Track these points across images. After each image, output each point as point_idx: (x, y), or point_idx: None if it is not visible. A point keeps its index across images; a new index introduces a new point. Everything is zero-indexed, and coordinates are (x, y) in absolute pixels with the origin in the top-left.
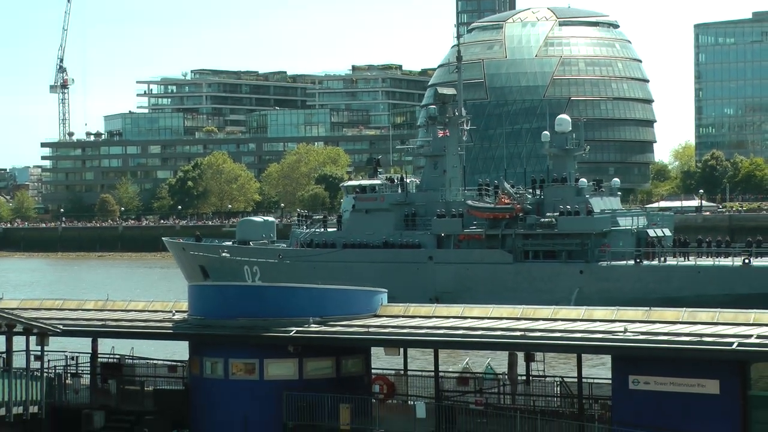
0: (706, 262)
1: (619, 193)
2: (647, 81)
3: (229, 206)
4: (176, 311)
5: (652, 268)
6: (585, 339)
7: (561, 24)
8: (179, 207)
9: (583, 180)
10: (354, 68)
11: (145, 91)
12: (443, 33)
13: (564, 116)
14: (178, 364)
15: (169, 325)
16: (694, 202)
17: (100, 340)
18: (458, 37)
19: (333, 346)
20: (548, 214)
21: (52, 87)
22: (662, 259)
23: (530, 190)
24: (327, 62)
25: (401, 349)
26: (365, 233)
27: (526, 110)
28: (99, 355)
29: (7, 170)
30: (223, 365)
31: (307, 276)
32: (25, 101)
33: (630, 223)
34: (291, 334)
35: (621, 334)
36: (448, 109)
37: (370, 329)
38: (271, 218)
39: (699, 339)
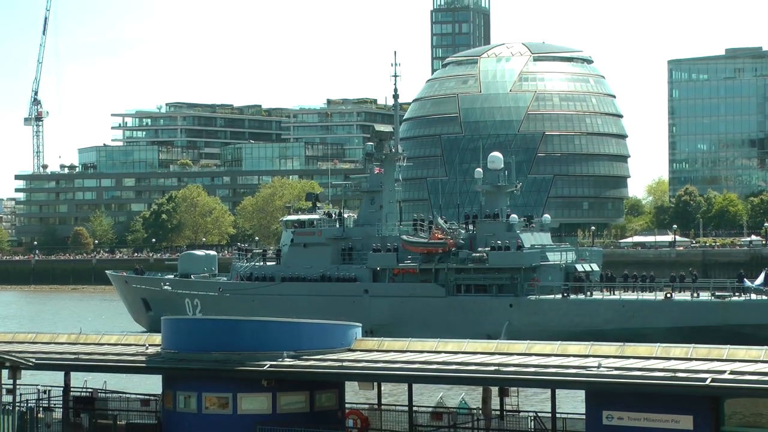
0: (631, 296)
1: (558, 228)
2: (621, 116)
3: (203, 239)
4: (149, 345)
5: (579, 302)
6: (559, 374)
7: (535, 59)
8: (153, 240)
9: (514, 216)
10: (329, 102)
11: (119, 124)
12: (419, 68)
13: (496, 154)
14: (151, 398)
15: (143, 358)
16: (668, 237)
17: (72, 374)
18: (395, 67)
19: (307, 381)
20: (480, 249)
21: (26, 119)
22: (589, 293)
23: (464, 226)
24: (302, 96)
25: (375, 384)
26: (303, 267)
27: (500, 144)
28: (72, 389)
29: None
30: (196, 399)
31: (246, 309)
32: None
33: (559, 258)
34: (264, 368)
35: (595, 369)
36: (385, 146)
37: (344, 363)
38: (212, 252)
39: (673, 374)
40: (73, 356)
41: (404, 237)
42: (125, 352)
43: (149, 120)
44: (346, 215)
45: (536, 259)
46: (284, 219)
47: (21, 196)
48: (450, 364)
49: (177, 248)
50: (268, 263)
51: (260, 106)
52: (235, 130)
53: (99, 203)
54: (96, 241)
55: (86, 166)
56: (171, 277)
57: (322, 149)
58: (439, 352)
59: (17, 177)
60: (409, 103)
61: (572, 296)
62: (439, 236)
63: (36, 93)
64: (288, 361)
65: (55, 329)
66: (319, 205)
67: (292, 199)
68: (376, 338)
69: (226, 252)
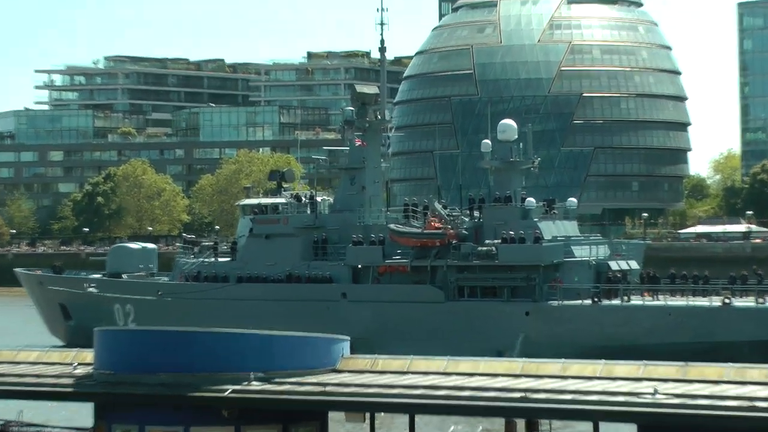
0: (679, 302)
1: (585, 215)
2: (680, 73)
3: (150, 229)
4: (78, 363)
5: (613, 309)
6: (604, 403)
7: (570, 1)
8: (86, 229)
9: (531, 200)
10: (310, 55)
11: (44, 83)
12: (423, 13)
13: (508, 122)
14: None
15: (69, 381)
16: (741, 227)
17: None
18: (382, 13)
19: (280, 411)
20: (488, 241)
21: None
22: (626, 297)
23: (468, 212)
24: (276, 49)
25: (367, 415)
26: (265, 264)
27: (527, 109)
28: None
29: None
30: None
31: (193, 318)
32: None
33: (588, 253)
34: (226, 394)
35: (650, 397)
36: (369, 111)
37: (328, 388)
38: (150, 245)
39: (750, 404)
40: None
41: (392, 226)
42: (47, 373)
43: (82, 78)
44: (319, 199)
45: (559, 255)
46: (241, 203)
47: None
48: (463, 389)
49: (116, 239)
50: (220, 259)
51: (223, 60)
52: (192, 91)
53: (17, 183)
54: (13, 231)
55: (1, 135)
56: (97, 276)
57: (302, 115)
58: (449, 374)
59: None
60: (410, 57)
61: (605, 301)
62: (437, 225)
63: None
64: (256, 385)
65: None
66: (286, 186)
67: (260, 179)
68: (368, 356)
69: (170, 246)
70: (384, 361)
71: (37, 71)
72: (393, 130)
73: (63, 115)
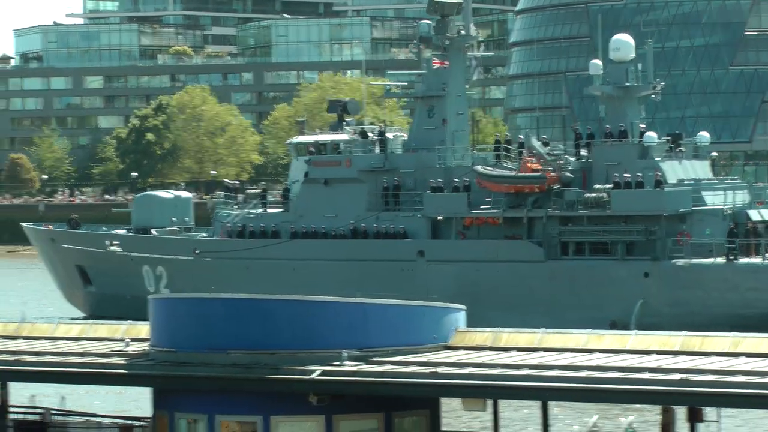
0: None
1: (714, 154)
2: None
3: (213, 173)
4: (131, 339)
5: (753, 269)
6: None
7: None
8: (134, 174)
9: (651, 134)
10: None
11: None
12: None
13: (622, 36)
14: (136, 423)
15: (121, 361)
16: None
17: (11, 385)
18: None
19: (381, 396)
20: (597, 186)
21: None
22: None
23: (574, 150)
24: None
25: (489, 401)
26: (324, 216)
27: (684, 19)
28: (11, 409)
29: None
30: (206, 425)
31: (237, 281)
32: None
33: (722, 200)
34: (314, 376)
35: None
36: (450, 25)
37: (439, 369)
38: (184, 193)
39: None
40: (12, 358)
41: (479, 168)
42: (94, 351)
43: None
44: (390, 135)
45: (686, 202)
46: (293, 141)
47: None
48: (608, 370)
49: (172, 186)
50: (270, 210)
51: None
52: None
53: (47, 116)
54: (44, 177)
55: (27, 57)
56: (122, 232)
57: (399, 28)
58: (590, 351)
59: None
60: None
61: (742, 260)
62: (534, 167)
63: None
64: (350, 365)
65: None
66: (349, 119)
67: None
68: (488, 329)
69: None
70: (508, 336)
71: None
72: (480, 47)
73: (101, 31)
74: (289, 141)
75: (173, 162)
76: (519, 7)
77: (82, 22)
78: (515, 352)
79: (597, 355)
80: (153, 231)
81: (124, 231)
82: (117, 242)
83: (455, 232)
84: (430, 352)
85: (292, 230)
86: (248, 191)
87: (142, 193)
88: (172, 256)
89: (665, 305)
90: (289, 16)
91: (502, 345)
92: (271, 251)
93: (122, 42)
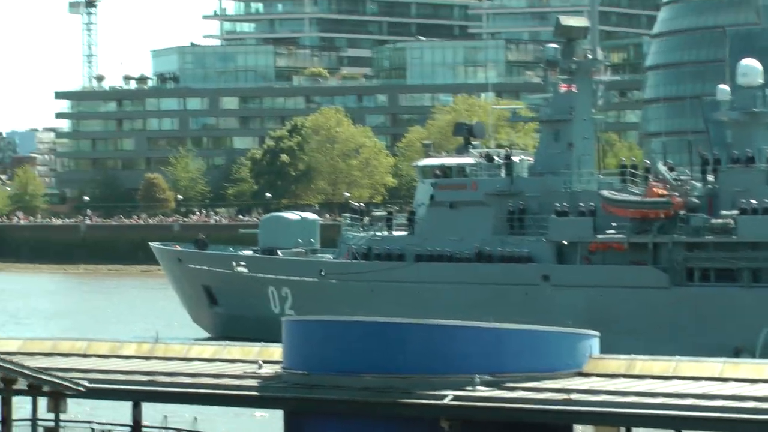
0: None
1: None
2: None
3: (346, 194)
4: (264, 361)
5: None
6: None
7: None
8: (268, 195)
9: None
10: None
11: (215, 12)
12: None
13: (750, 62)
14: None
15: (254, 383)
16: None
17: (145, 405)
18: None
19: (513, 422)
20: (724, 212)
21: (71, 4)
22: None
23: (700, 175)
24: None
25: (622, 429)
26: (449, 239)
27: None
28: (144, 429)
29: (4, 136)
30: None
31: (361, 303)
32: (29, 28)
33: None
34: (446, 401)
35: None
36: (577, 49)
37: (573, 396)
38: (311, 215)
39: None
40: (146, 378)
41: (605, 193)
42: (226, 373)
43: (260, 5)
44: (516, 159)
45: None
46: (419, 164)
47: (64, 125)
48: (744, 399)
49: (305, 207)
50: (395, 233)
51: None
52: (396, 21)
53: (183, 136)
54: (179, 197)
55: (163, 78)
56: (248, 253)
57: (534, 51)
58: (725, 380)
59: (58, 96)
60: None
61: None
62: (661, 192)
63: None
64: (483, 391)
65: (118, 335)
66: (475, 142)
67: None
68: (622, 356)
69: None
70: (643, 363)
71: None
72: (608, 71)
73: (237, 53)
74: (415, 164)
75: (307, 183)
76: (655, 30)
77: (219, 44)
78: (649, 380)
79: (732, 384)
80: (279, 252)
81: (251, 252)
82: (243, 263)
83: (580, 256)
84: (564, 378)
85: (417, 253)
86: (374, 213)
87: (269, 215)
88: (297, 278)
89: None
90: (424, 39)
91: (636, 372)
92: (396, 274)
93: (258, 63)
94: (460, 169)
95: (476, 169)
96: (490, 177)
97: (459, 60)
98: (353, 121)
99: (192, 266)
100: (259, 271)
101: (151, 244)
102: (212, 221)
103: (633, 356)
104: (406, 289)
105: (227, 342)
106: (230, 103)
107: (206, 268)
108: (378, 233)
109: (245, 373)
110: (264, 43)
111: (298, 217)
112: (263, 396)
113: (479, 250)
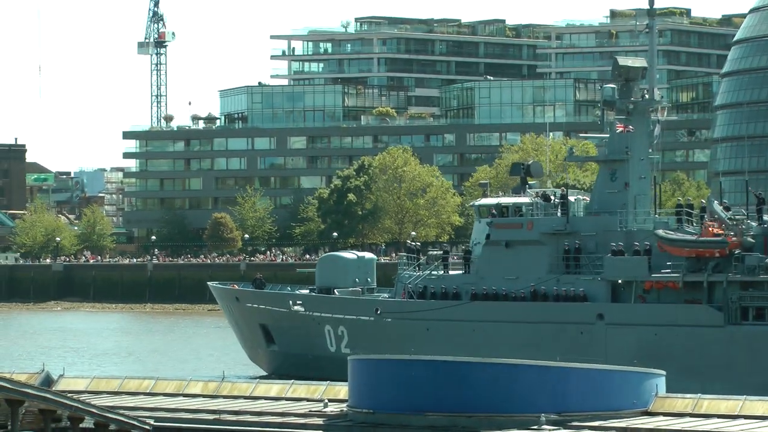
0: None
1: None
2: None
3: (413, 234)
4: (329, 400)
5: None
6: None
7: None
8: (335, 234)
9: None
10: (613, 14)
11: (283, 52)
12: None
13: None
14: None
15: (320, 422)
16: None
17: None
18: None
19: None
20: None
21: (141, 45)
22: None
23: (757, 215)
24: (569, 6)
25: None
26: (505, 278)
27: None
28: None
29: (72, 176)
30: None
31: (417, 341)
32: (98, 68)
33: None
34: None
35: None
36: (634, 89)
37: None
38: (368, 254)
39: None
40: (212, 417)
41: (661, 232)
42: (292, 411)
43: (329, 45)
44: (572, 198)
45: None
46: (476, 203)
47: (132, 165)
48: None
49: (372, 246)
50: (451, 272)
51: (504, 21)
52: (464, 61)
53: (251, 176)
54: (246, 236)
55: (231, 117)
56: (305, 292)
57: (603, 90)
58: None
59: (126, 136)
60: (743, 16)
61: None
62: (716, 231)
63: (156, 5)
64: (549, 429)
65: (184, 374)
66: (532, 182)
67: (553, 170)
68: (689, 395)
69: (395, 254)
70: (710, 402)
71: (273, 37)
72: (666, 112)
73: (306, 92)
74: (471, 203)
75: (374, 222)
76: (725, 69)
77: (287, 83)
78: (716, 419)
79: None
80: (336, 291)
81: (308, 291)
82: (300, 302)
83: (635, 295)
84: (630, 417)
85: (473, 292)
86: (430, 252)
87: (326, 254)
88: (353, 316)
89: None
90: (492, 78)
91: (703, 412)
92: (452, 312)
93: (326, 103)
94: (517, 209)
95: (532, 209)
96: (546, 216)
97: (527, 99)
98: (420, 161)
99: (249, 305)
100: (315, 310)
101: (209, 283)
102: (279, 260)
103: (700, 395)
104: (462, 328)
105: (293, 381)
106: (298, 142)
107: (263, 306)
108: (434, 272)
109: (311, 411)
110: (332, 83)
111: (354, 257)
112: None
113: (535, 289)
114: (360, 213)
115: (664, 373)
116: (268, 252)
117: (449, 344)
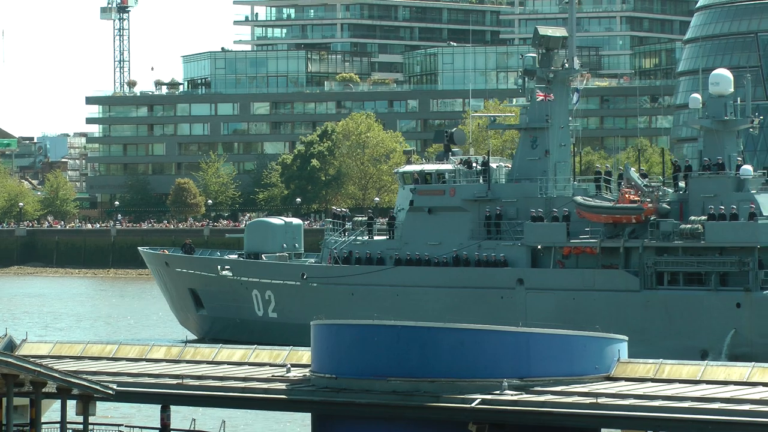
0: None
1: None
2: None
3: (377, 199)
4: (292, 365)
5: None
6: None
7: None
8: (298, 200)
9: (747, 167)
10: None
11: (246, 17)
12: None
13: (722, 71)
14: None
15: (282, 387)
16: None
17: (174, 409)
18: None
19: (540, 426)
20: (693, 218)
21: (104, 10)
22: None
23: (672, 182)
24: None
25: None
26: (428, 243)
27: None
28: (172, 431)
29: (35, 141)
30: None
31: (342, 306)
32: (61, 33)
33: None
34: (473, 405)
35: None
36: (555, 58)
37: (600, 400)
38: (295, 220)
39: None
40: (174, 381)
41: (579, 199)
42: (255, 376)
43: (292, 11)
44: (494, 165)
45: None
46: (399, 170)
47: (95, 130)
48: None
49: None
50: (376, 238)
51: None
52: (428, 27)
53: (214, 141)
54: (210, 201)
55: (195, 83)
56: (233, 257)
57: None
58: (753, 384)
59: (89, 101)
60: None
61: None
62: (632, 198)
63: None
64: (510, 395)
65: (147, 339)
66: (455, 149)
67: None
68: (651, 360)
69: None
70: (671, 367)
71: (236, 2)
72: (587, 80)
73: (269, 58)
74: (395, 170)
75: (337, 188)
76: (687, 36)
77: (250, 49)
78: (678, 384)
79: (761, 388)
80: (263, 256)
81: (236, 256)
82: (228, 267)
83: (554, 261)
84: (592, 382)
85: (397, 257)
86: (355, 219)
87: (254, 220)
88: (280, 281)
89: (757, 335)
90: (455, 44)
91: (664, 377)
92: (376, 277)
93: (289, 69)
94: (440, 175)
95: (455, 175)
96: (468, 183)
97: (490, 65)
98: (384, 127)
99: (178, 270)
100: (242, 275)
101: (139, 248)
102: (242, 225)
103: (662, 360)
104: (386, 293)
105: (256, 346)
106: (261, 108)
107: (192, 271)
108: (359, 238)
109: (273, 376)
110: (295, 48)
111: (282, 222)
112: (292, 399)
113: (457, 254)
114: (323, 179)
115: (626, 338)
116: (234, 218)
117: (374, 308)
